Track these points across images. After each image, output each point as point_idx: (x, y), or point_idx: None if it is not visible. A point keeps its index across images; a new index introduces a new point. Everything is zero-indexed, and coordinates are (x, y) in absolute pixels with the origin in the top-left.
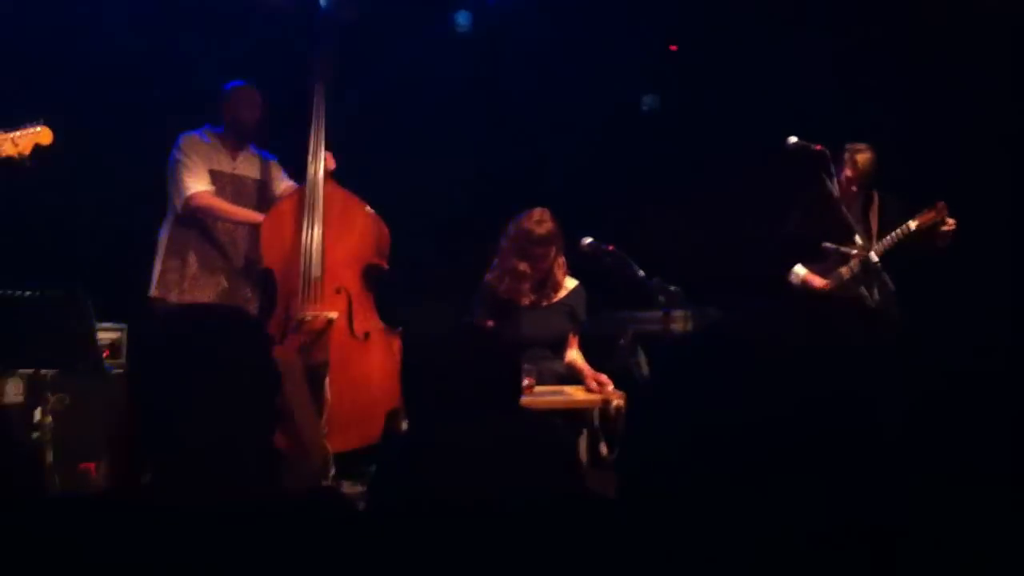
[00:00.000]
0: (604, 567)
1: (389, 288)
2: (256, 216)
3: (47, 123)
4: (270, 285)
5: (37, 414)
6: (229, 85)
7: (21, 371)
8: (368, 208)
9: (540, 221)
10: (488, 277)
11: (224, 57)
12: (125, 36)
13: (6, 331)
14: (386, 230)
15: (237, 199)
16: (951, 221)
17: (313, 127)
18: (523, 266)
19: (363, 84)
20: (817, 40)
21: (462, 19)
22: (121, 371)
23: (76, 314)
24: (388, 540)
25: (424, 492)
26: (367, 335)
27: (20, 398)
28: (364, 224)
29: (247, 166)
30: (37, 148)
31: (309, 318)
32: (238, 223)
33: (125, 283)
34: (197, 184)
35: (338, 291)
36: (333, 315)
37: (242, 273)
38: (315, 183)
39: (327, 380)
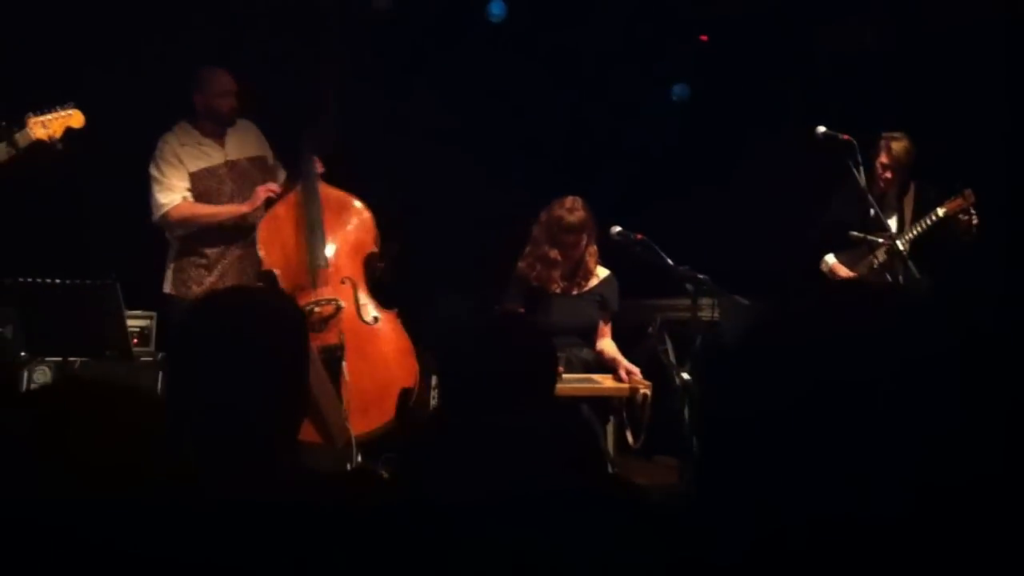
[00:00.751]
0: (626, 554)
1: (419, 276)
2: (238, 208)
3: (78, 106)
4: (272, 286)
5: None
6: (198, 70)
7: (49, 359)
8: (362, 203)
9: (572, 209)
10: (520, 265)
11: (240, 52)
12: (158, 27)
13: (37, 319)
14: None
15: (241, 184)
16: (974, 214)
17: (307, 131)
18: (554, 253)
19: (394, 75)
20: (849, 29)
21: (496, 9)
22: (150, 359)
23: (106, 302)
24: (411, 528)
25: (450, 479)
26: (376, 319)
27: None
28: (360, 217)
29: (237, 147)
30: (69, 131)
31: (321, 304)
32: (223, 222)
33: (156, 272)
34: (170, 198)
35: (343, 282)
36: (343, 302)
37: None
38: (310, 182)
39: (344, 365)
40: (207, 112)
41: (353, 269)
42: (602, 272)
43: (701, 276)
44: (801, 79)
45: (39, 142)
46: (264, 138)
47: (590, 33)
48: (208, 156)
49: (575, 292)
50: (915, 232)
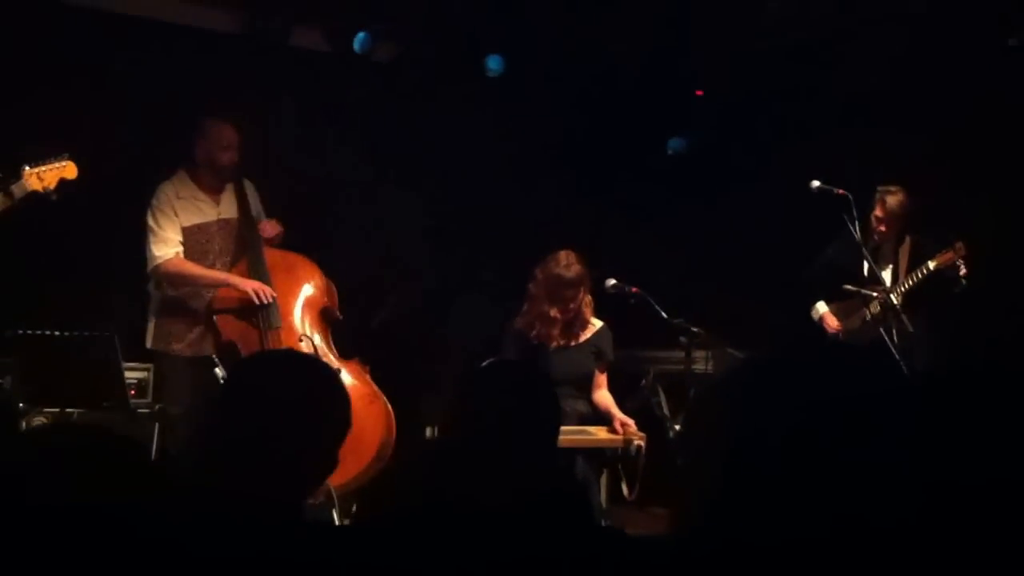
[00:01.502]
0: None
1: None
2: (226, 278)
3: (71, 157)
4: (235, 355)
5: None
6: (202, 120)
7: (47, 410)
8: (308, 260)
9: (568, 265)
10: (518, 321)
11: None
12: (156, 79)
13: (36, 370)
14: (330, 282)
15: (230, 243)
16: (962, 266)
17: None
18: (554, 312)
19: (391, 126)
20: (842, 83)
21: (493, 63)
22: (147, 410)
23: (104, 354)
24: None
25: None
26: (338, 371)
27: None
28: (309, 274)
29: (231, 205)
30: (63, 182)
31: None
32: (206, 286)
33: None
34: (164, 251)
35: (301, 340)
36: None
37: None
38: (255, 248)
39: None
40: (208, 164)
41: (309, 326)
42: (596, 323)
43: (695, 328)
44: (798, 129)
45: (34, 193)
46: (257, 197)
47: (585, 85)
48: (202, 212)
49: (572, 344)
50: (908, 285)
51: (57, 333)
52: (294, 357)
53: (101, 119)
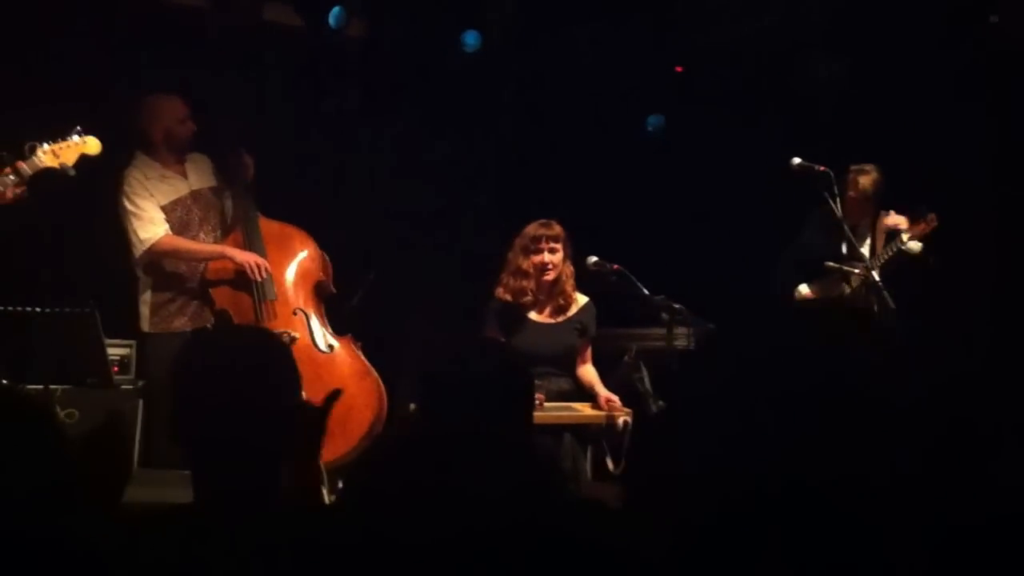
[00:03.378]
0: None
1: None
2: (222, 250)
3: (87, 133)
4: (228, 323)
5: None
6: (148, 98)
7: (30, 387)
8: (304, 233)
9: (546, 224)
10: (497, 292)
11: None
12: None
13: (18, 347)
14: (325, 255)
15: (207, 213)
16: (930, 236)
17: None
18: (526, 264)
19: (376, 111)
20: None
21: (470, 39)
22: (130, 387)
23: (86, 331)
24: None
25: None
26: (331, 347)
27: None
28: (304, 247)
29: (198, 177)
30: (83, 158)
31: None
32: (202, 260)
33: (134, 301)
34: (153, 231)
35: (295, 313)
36: (296, 333)
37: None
38: (251, 219)
39: (302, 395)
40: (168, 140)
41: (303, 299)
42: (581, 299)
43: (676, 305)
44: (779, 107)
45: (47, 169)
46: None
47: (564, 63)
48: (175, 188)
49: (559, 319)
50: (883, 259)
51: (38, 310)
52: (231, 332)
53: (73, 96)
